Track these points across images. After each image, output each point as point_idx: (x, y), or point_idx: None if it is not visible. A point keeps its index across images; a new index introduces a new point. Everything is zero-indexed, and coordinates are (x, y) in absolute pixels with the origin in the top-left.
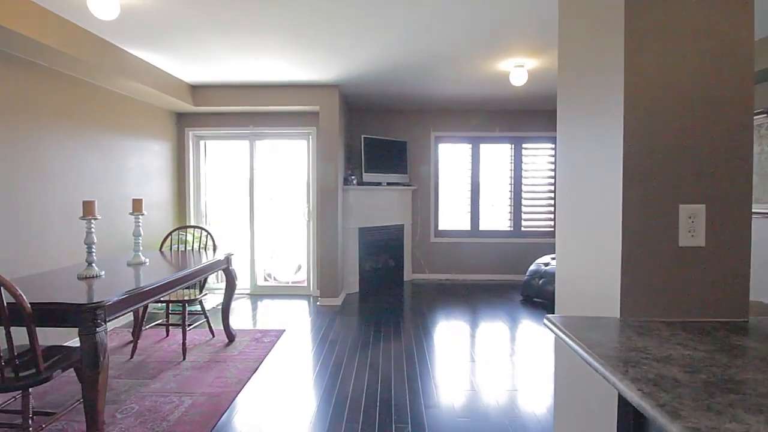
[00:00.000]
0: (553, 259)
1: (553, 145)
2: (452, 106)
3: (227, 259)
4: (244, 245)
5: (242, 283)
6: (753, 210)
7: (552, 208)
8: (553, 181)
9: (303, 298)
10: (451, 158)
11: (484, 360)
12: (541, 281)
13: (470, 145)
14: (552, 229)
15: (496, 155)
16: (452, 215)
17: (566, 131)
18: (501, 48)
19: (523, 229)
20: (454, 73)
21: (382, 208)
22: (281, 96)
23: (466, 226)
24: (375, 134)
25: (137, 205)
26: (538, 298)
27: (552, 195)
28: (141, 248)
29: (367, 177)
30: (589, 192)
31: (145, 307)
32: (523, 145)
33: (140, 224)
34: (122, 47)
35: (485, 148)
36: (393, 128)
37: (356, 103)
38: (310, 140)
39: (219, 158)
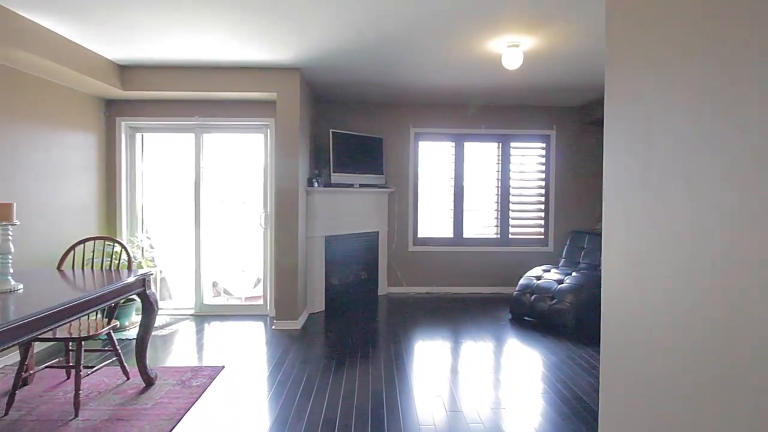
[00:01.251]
0: (546, 271)
1: (544, 144)
2: (434, 99)
3: (144, 281)
4: (188, 257)
5: (186, 302)
6: None
7: (542, 214)
8: (543, 184)
9: (258, 318)
10: (433, 157)
11: (470, 407)
12: (532, 297)
13: (453, 144)
14: (542, 237)
15: (482, 155)
16: (433, 221)
17: (633, 113)
18: (491, 21)
19: (510, 236)
20: (436, 53)
21: (353, 213)
22: (232, 80)
23: (449, 233)
24: (346, 129)
25: (4, 212)
26: (530, 316)
27: (542, 199)
28: (11, 270)
29: (336, 178)
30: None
31: (27, 346)
32: (512, 144)
33: (10, 238)
34: (15, 10)
35: (470, 147)
36: (367, 123)
37: (323, 93)
38: (268, 134)
39: (159, 154)
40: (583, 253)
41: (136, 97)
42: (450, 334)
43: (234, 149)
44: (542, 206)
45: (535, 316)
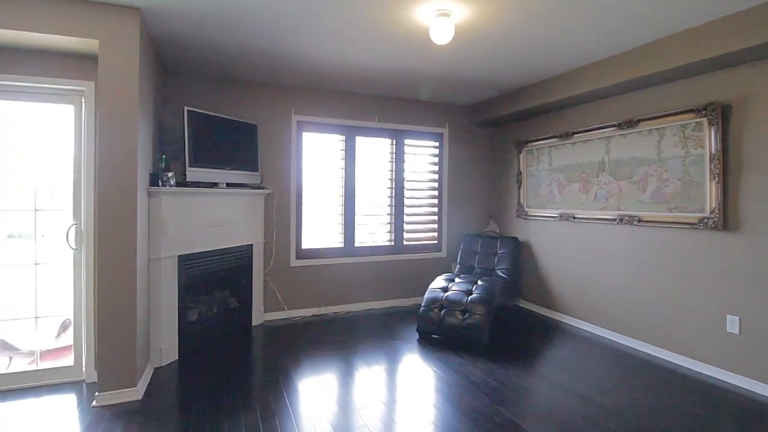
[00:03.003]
0: (450, 281)
1: (437, 143)
2: (323, 82)
3: None
4: None
5: None
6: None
7: (436, 218)
8: (437, 185)
9: (66, 389)
10: (320, 152)
11: None
12: (442, 312)
13: (344, 137)
14: (436, 242)
15: (375, 151)
16: (320, 229)
17: None
18: None
19: (405, 243)
20: (338, 21)
21: (218, 222)
22: (27, 12)
23: (338, 242)
24: (209, 110)
25: None
26: (439, 333)
27: (435, 202)
28: None
29: (193, 174)
30: None
31: None
32: (406, 141)
33: None
34: None
35: (363, 142)
36: (237, 105)
37: (177, 58)
38: (83, 106)
39: None
40: (477, 257)
41: None
42: (346, 366)
43: (26, 125)
44: (435, 209)
45: (445, 333)
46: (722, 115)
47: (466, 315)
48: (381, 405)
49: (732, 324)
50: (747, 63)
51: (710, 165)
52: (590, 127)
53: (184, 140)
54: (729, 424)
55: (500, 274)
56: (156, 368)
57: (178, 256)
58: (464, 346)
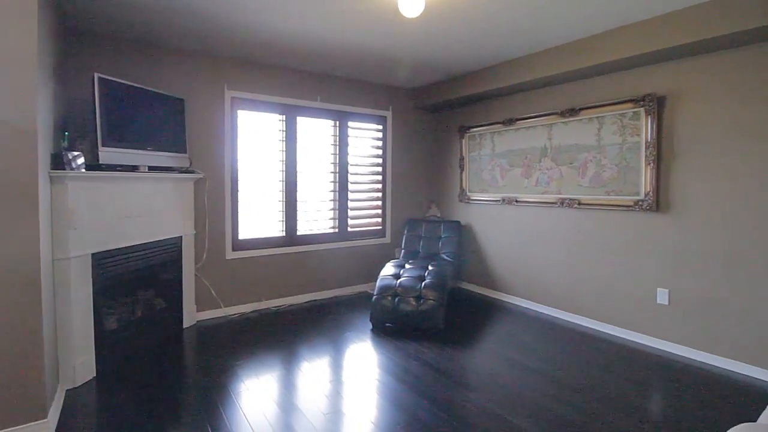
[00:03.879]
0: (400, 267)
1: (380, 126)
2: (262, 54)
3: None
4: None
5: None
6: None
7: (380, 203)
8: (381, 170)
9: None
10: (257, 133)
11: None
12: (396, 300)
13: (284, 117)
14: (380, 227)
15: (318, 133)
16: (259, 218)
17: None
18: None
19: (350, 229)
20: None
21: (140, 212)
22: None
23: (279, 231)
24: (125, 78)
25: None
26: (393, 322)
27: (380, 187)
28: None
29: (107, 155)
30: None
31: None
32: (350, 124)
33: None
34: None
35: (304, 123)
36: (159, 75)
37: (85, 15)
38: None
39: None
40: (421, 242)
41: None
42: (295, 365)
43: None
44: (380, 194)
45: (400, 321)
46: (658, 106)
47: (421, 301)
48: (340, 406)
49: (662, 296)
50: (680, 58)
51: (646, 152)
52: (533, 115)
53: (96, 115)
54: (665, 384)
55: (445, 257)
56: (68, 390)
57: (92, 254)
58: (420, 333)
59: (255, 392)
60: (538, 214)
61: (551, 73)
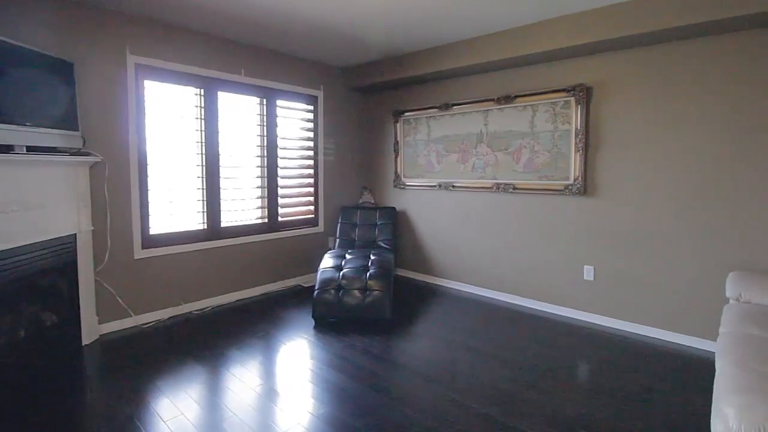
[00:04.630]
0: (340, 257)
1: (312, 107)
2: (174, 11)
3: None
4: None
5: None
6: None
7: (312, 189)
8: (312, 153)
9: None
10: (169, 109)
11: None
12: (340, 293)
13: (201, 91)
14: (313, 215)
15: (243, 112)
16: (175, 209)
17: None
18: None
19: (281, 219)
20: None
21: (17, 205)
22: None
23: (200, 223)
24: None
25: None
26: (338, 316)
27: (312, 172)
28: None
29: None
30: None
31: None
32: (278, 103)
33: None
34: None
35: (226, 99)
36: (39, 31)
37: None
38: None
39: None
40: (357, 230)
41: None
42: (228, 378)
43: None
44: (312, 180)
45: (345, 315)
46: (587, 96)
47: (367, 293)
48: (283, 416)
49: (588, 273)
50: (606, 52)
51: (575, 139)
52: (470, 100)
53: None
54: (599, 353)
55: (382, 245)
56: None
57: None
58: (367, 326)
59: (179, 420)
60: (474, 199)
61: (489, 59)
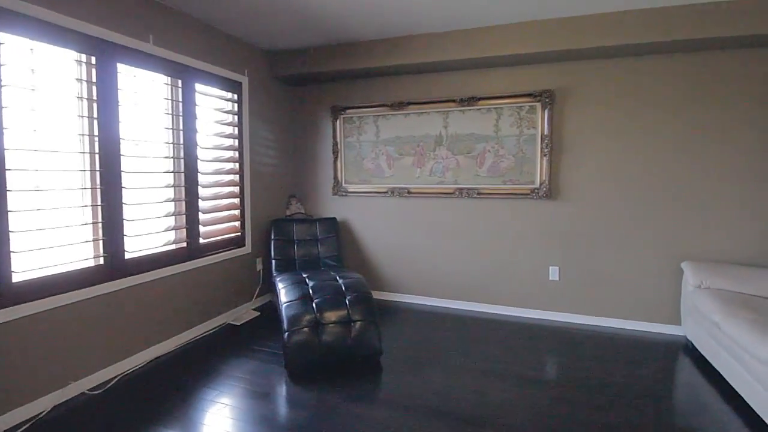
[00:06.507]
0: (300, 283)
1: (234, 95)
2: None
3: None
4: None
5: None
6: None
7: (237, 201)
8: (237, 155)
9: None
10: (43, 81)
11: None
12: (318, 330)
13: (92, 59)
14: (239, 233)
15: (151, 94)
16: (52, 237)
17: None
18: None
19: (201, 241)
20: None
21: None
22: None
23: (92, 257)
24: None
25: None
26: (320, 361)
27: (236, 179)
28: None
29: None
30: None
31: None
32: (198, 87)
33: None
34: None
35: (129, 74)
36: None
37: None
38: None
39: None
40: (296, 246)
41: None
42: None
43: None
44: (237, 188)
45: (326, 357)
46: (552, 102)
47: (353, 324)
48: None
49: (553, 273)
50: (568, 61)
51: (542, 144)
52: (428, 100)
53: None
54: (572, 350)
55: (329, 262)
56: None
57: None
58: (358, 365)
59: None
60: (434, 206)
61: (452, 57)
